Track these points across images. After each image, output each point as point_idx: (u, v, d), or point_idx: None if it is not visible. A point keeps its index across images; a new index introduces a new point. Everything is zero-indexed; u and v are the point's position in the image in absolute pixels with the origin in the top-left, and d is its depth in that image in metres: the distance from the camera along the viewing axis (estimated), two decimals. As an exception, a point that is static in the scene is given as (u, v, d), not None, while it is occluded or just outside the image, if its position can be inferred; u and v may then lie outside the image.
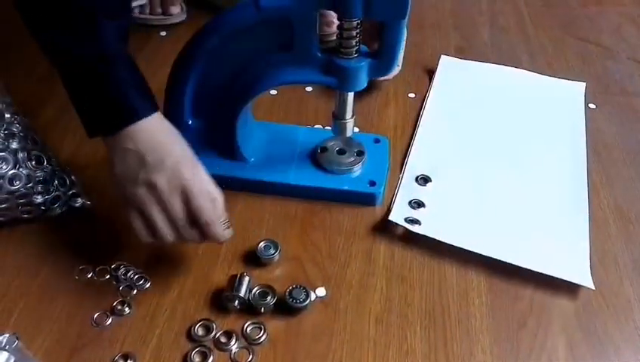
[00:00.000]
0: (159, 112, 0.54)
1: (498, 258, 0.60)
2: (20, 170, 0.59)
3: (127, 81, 0.53)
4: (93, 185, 0.67)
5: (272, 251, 0.60)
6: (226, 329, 0.54)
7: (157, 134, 0.53)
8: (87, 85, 0.53)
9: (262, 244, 0.60)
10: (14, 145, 0.60)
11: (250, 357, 0.52)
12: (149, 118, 0.53)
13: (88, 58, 0.52)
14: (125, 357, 0.52)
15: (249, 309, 0.55)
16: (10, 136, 0.60)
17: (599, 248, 0.63)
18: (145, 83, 0.54)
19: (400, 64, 0.81)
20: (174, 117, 0.69)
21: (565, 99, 0.84)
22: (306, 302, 0.55)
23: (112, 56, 0.52)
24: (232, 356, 0.52)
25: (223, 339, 0.53)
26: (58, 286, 0.58)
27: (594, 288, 0.57)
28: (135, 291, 0.57)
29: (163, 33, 0.95)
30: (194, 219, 0.52)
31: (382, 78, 0.80)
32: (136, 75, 0.54)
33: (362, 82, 0.59)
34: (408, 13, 0.53)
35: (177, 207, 0.52)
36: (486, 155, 0.74)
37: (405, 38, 0.80)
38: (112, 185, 0.54)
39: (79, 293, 0.57)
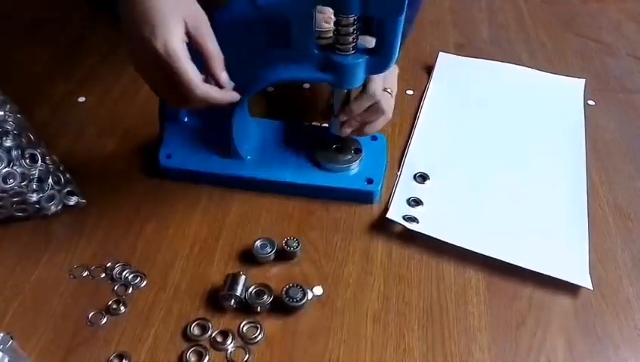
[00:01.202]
0: None
1: (496, 257, 0.59)
2: (14, 168, 0.59)
3: None
4: (88, 184, 0.66)
5: (268, 250, 0.59)
6: (222, 329, 0.54)
7: None
8: None
9: (258, 243, 0.60)
10: (8, 142, 0.59)
11: (247, 356, 0.52)
12: None
13: None
14: (120, 356, 0.51)
15: (245, 308, 0.55)
16: (4, 133, 0.59)
17: (598, 246, 0.62)
18: None
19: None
20: (170, 114, 0.69)
21: (564, 95, 0.84)
22: (303, 301, 0.55)
23: None
24: (228, 355, 0.52)
25: (219, 339, 0.53)
26: (53, 285, 0.57)
27: (592, 288, 0.57)
28: (130, 290, 0.57)
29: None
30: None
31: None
32: None
33: (359, 79, 0.59)
34: (405, 9, 0.52)
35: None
36: (485, 153, 0.73)
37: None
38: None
39: (74, 292, 0.57)
